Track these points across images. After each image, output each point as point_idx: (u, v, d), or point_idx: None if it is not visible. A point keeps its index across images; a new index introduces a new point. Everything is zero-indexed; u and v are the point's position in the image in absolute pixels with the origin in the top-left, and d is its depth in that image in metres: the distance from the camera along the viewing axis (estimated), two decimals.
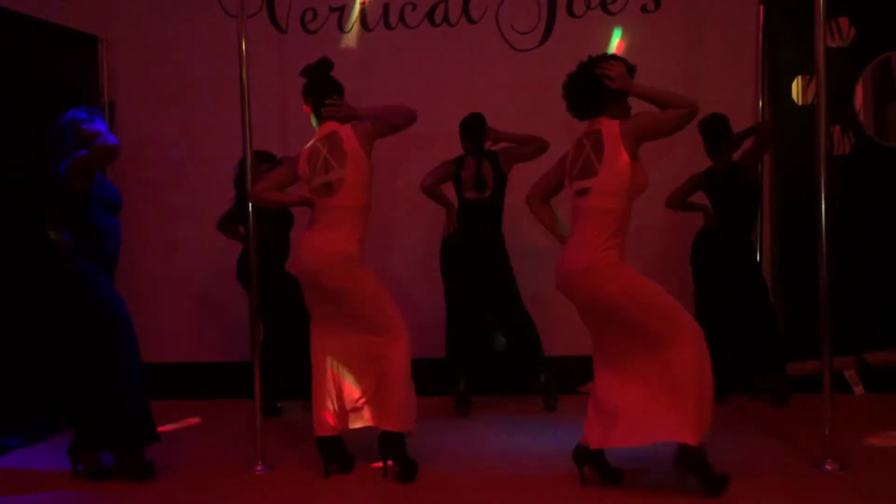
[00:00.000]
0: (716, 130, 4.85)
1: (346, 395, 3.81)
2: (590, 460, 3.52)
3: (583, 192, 3.41)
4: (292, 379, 4.81)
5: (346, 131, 3.73)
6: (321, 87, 3.83)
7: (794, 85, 5.43)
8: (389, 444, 3.67)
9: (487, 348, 5.16)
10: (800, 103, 5.41)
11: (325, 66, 3.87)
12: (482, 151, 5.01)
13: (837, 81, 5.07)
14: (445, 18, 5.73)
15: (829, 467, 3.60)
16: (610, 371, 3.50)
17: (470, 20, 5.71)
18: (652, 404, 3.35)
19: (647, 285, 3.36)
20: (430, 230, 5.58)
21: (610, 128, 3.38)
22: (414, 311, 5.63)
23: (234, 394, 5.21)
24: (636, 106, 3.42)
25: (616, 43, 5.54)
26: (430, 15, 5.73)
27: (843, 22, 5.34)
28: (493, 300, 5.01)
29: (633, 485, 3.53)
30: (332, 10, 5.78)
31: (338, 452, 3.82)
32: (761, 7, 5.43)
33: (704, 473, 3.33)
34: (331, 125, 3.77)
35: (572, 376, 5.13)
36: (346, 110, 3.77)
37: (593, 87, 3.42)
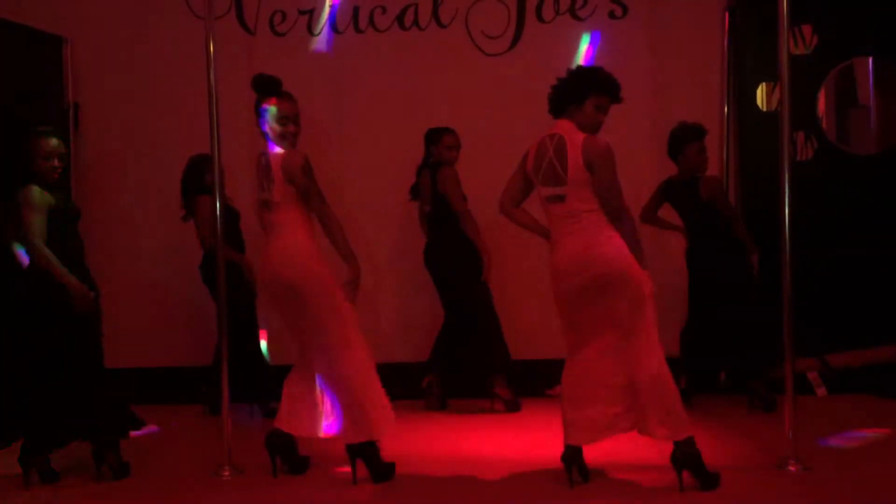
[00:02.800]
0: (671, 139, 4.91)
1: (303, 399, 3.81)
2: (577, 460, 3.54)
3: (557, 199, 3.45)
4: (246, 381, 4.79)
5: (275, 161, 3.68)
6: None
7: (758, 91, 5.51)
8: (356, 451, 3.67)
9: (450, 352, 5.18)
10: (764, 109, 5.49)
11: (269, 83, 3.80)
12: (426, 164, 5.11)
13: (801, 88, 5.15)
14: (415, 22, 5.73)
15: (792, 468, 3.64)
16: (585, 366, 3.54)
17: (440, 24, 5.72)
18: (639, 402, 3.44)
19: (646, 282, 3.43)
20: (400, 235, 5.59)
21: (575, 142, 3.42)
22: (383, 316, 5.66)
23: (198, 398, 5.19)
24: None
25: (584, 49, 5.59)
26: (399, 18, 5.73)
27: (807, 29, 5.43)
28: (450, 306, 5.12)
29: (627, 482, 3.57)
30: (301, 12, 5.75)
31: (284, 448, 3.82)
32: (727, 14, 5.51)
33: (700, 469, 3.41)
34: (267, 145, 3.74)
35: (540, 379, 5.18)
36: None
37: (557, 89, 3.52)
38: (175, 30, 5.73)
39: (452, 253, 5.03)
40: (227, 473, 3.87)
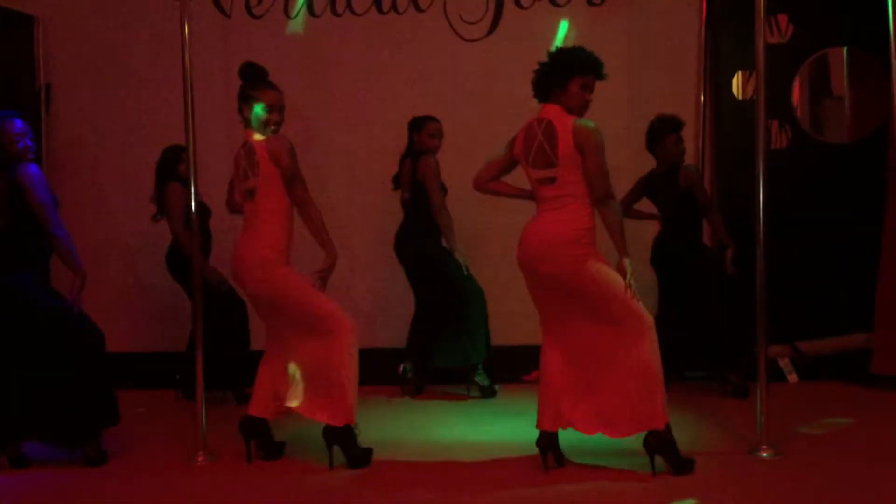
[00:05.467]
0: (649, 132, 4.93)
1: (281, 383, 3.81)
2: (553, 446, 3.57)
3: (548, 181, 3.47)
4: (221, 369, 4.74)
5: (259, 146, 3.68)
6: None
7: (734, 80, 5.54)
8: (332, 436, 3.68)
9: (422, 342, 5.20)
10: (740, 98, 5.53)
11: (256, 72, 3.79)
12: (409, 153, 5.08)
13: (776, 77, 5.19)
14: (393, 6, 5.70)
15: (763, 453, 3.70)
16: (563, 353, 3.57)
17: (418, 9, 5.69)
18: (616, 392, 3.45)
19: (615, 275, 3.44)
20: (379, 221, 5.58)
21: (565, 125, 3.43)
22: (361, 302, 5.66)
23: (172, 384, 5.17)
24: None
25: (563, 37, 5.58)
26: (377, 2, 5.69)
27: (782, 19, 5.47)
28: (419, 298, 5.16)
29: (602, 467, 3.60)
30: None
31: (259, 433, 3.82)
32: (704, 3, 5.53)
33: (674, 455, 3.44)
34: (249, 133, 3.74)
35: (517, 365, 5.21)
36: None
37: (540, 73, 3.52)
38: (149, 11, 5.65)
39: (423, 241, 5.02)
40: (201, 459, 3.86)
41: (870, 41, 5.35)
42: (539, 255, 3.45)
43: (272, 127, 3.73)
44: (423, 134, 5.01)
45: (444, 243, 5.01)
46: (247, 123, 3.75)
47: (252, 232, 3.71)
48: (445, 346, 5.03)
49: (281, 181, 3.67)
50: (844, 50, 5.49)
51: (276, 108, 3.73)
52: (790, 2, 5.41)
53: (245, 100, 3.74)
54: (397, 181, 5.17)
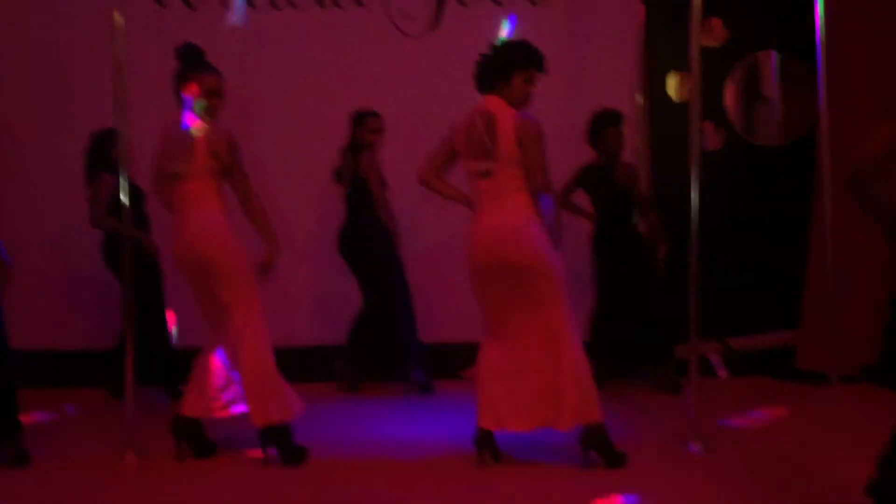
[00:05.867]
0: (591, 125, 4.99)
1: (211, 381, 3.75)
2: (489, 443, 3.58)
3: (485, 174, 3.47)
4: (152, 363, 4.64)
5: (199, 139, 3.59)
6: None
7: (670, 81, 5.64)
8: (268, 435, 3.63)
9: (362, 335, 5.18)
10: (675, 99, 5.63)
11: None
12: (350, 146, 5.04)
13: (711, 79, 5.29)
14: (333, 0, 5.64)
15: (694, 448, 3.77)
16: (503, 353, 3.58)
17: (358, 3, 5.64)
18: (551, 387, 3.48)
19: (562, 275, 3.49)
20: (317, 216, 5.52)
21: (505, 117, 3.44)
22: (299, 297, 5.60)
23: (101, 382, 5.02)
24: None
25: (504, 35, 5.59)
26: None
27: (717, 22, 5.58)
28: (366, 295, 5.12)
29: (537, 463, 3.63)
30: None
31: (191, 433, 3.75)
32: (642, 5, 5.61)
33: (607, 449, 3.49)
34: (188, 118, 3.65)
35: (454, 362, 5.21)
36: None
37: (484, 65, 3.53)
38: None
39: (366, 236, 4.99)
40: (130, 459, 3.76)
41: (800, 46, 5.50)
42: (497, 245, 3.45)
43: (211, 112, 3.64)
44: (364, 129, 4.99)
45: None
46: (184, 106, 3.65)
47: (187, 215, 3.64)
48: (399, 336, 5.03)
49: (216, 172, 3.61)
50: (775, 54, 5.62)
51: (215, 93, 3.64)
52: (724, 6, 5.52)
53: (183, 81, 3.64)
54: (339, 175, 5.12)
